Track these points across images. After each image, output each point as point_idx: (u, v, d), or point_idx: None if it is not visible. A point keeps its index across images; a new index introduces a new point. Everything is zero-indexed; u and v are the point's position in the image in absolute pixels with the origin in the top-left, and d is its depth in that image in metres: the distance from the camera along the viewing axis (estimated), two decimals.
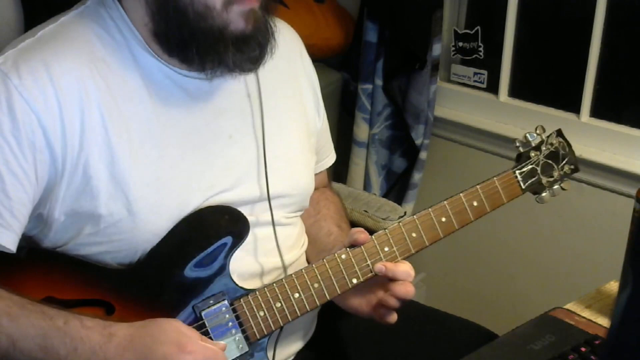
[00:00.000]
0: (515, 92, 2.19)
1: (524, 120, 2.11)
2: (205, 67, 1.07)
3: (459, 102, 2.27)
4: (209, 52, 1.05)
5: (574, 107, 2.04)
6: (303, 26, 2.19)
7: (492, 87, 2.22)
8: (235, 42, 1.04)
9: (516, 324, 1.12)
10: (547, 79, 2.29)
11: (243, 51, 1.05)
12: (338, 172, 2.32)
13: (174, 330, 0.99)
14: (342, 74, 2.31)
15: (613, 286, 1.24)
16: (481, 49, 2.20)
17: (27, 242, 1.08)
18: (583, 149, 1.97)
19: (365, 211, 1.74)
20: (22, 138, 1.00)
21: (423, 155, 2.21)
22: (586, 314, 1.15)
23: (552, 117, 2.07)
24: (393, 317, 1.13)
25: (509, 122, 2.16)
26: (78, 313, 0.99)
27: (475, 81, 2.26)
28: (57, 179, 1.03)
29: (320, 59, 2.21)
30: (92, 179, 1.03)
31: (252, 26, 1.05)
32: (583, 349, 1.03)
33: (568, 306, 1.17)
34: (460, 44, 2.24)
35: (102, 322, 0.99)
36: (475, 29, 2.20)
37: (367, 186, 2.32)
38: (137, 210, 1.05)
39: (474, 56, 2.23)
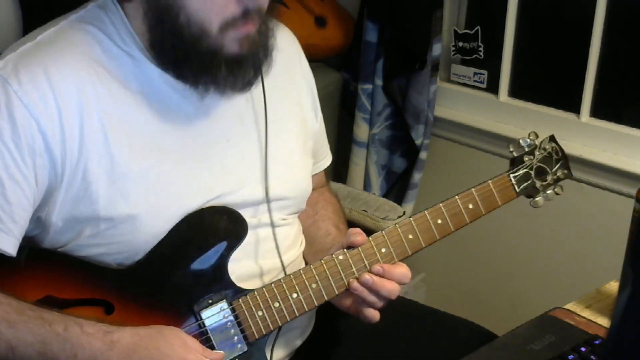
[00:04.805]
0: (515, 92, 2.19)
1: (524, 120, 2.11)
2: (198, 85, 1.07)
3: (459, 102, 2.27)
4: (202, 72, 1.05)
5: (574, 107, 2.03)
6: (303, 26, 2.21)
7: (492, 87, 2.21)
8: (228, 64, 1.04)
9: (516, 324, 1.12)
10: (547, 79, 2.29)
11: (235, 73, 1.06)
12: (338, 172, 2.31)
13: (179, 344, 0.99)
14: (342, 74, 2.31)
15: (613, 286, 1.24)
16: (481, 49, 2.20)
17: (28, 242, 1.07)
18: (583, 149, 1.97)
19: (365, 211, 1.73)
20: (22, 143, 0.99)
21: (423, 155, 2.21)
22: (586, 314, 1.15)
23: (552, 117, 2.07)
24: (374, 315, 1.13)
25: (509, 122, 2.16)
26: (78, 317, 0.99)
27: (475, 81, 2.26)
28: (57, 183, 1.03)
29: (320, 59, 2.21)
30: (91, 185, 1.03)
31: (246, 50, 1.05)
32: (583, 349, 1.03)
33: (568, 306, 1.17)
34: (460, 44, 2.24)
35: (103, 328, 0.98)
36: (475, 29, 2.19)
37: (367, 186, 2.31)
38: (137, 214, 1.05)
39: (474, 56, 2.23)
